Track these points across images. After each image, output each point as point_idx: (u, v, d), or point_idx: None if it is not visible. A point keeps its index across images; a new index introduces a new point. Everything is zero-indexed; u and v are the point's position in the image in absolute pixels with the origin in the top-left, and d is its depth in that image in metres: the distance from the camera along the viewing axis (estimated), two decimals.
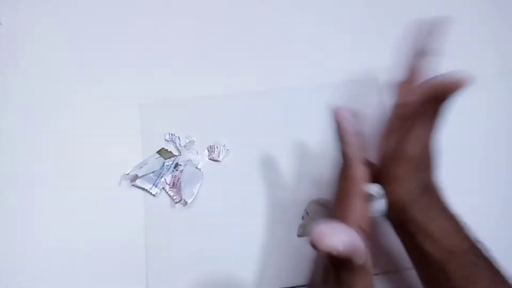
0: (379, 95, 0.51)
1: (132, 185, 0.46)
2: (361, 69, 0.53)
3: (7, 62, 0.52)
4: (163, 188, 0.46)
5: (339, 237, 0.26)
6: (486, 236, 0.45)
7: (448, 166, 0.48)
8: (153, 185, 0.45)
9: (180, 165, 0.46)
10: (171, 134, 0.48)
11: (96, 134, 0.49)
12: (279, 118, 0.49)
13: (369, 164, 0.34)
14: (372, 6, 0.57)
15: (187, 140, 0.48)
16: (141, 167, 0.45)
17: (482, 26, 0.56)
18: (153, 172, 0.45)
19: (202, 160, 0.47)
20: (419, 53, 0.35)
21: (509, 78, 0.53)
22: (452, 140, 0.49)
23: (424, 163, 0.34)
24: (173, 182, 0.46)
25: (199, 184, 0.45)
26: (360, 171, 0.33)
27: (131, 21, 0.55)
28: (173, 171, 0.46)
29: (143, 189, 0.45)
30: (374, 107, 0.51)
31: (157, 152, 0.47)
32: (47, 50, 0.53)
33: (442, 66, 0.53)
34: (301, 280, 0.43)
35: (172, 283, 0.43)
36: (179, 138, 0.48)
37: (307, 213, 0.44)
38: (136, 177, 0.45)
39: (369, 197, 0.36)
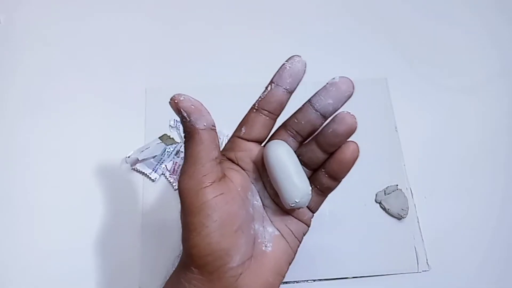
0: (388, 95, 0.51)
1: (132, 168, 0.46)
2: (370, 69, 0.52)
3: (7, 62, 0.52)
4: (163, 173, 0.45)
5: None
6: (485, 237, 0.45)
7: (448, 167, 0.48)
8: (153, 170, 0.45)
9: (182, 152, 0.46)
10: (176, 120, 0.48)
11: (99, 116, 0.49)
12: (284, 112, 0.48)
13: None
14: (382, 7, 0.56)
15: None
16: (142, 151, 0.44)
17: (481, 26, 0.56)
18: (154, 157, 0.45)
19: None
20: None
21: (508, 78, 0.53)
22: (452, 140, 0.49)
23: None
24: (174, 169, 0.46)
25: None
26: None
27: (143, 7, 0.55)
28: (173, 157, 0.46)
29: (143, 173, 0.45)
30: (382, 108, 0.50)
31: (159, 137, 0.46)
32: (51, 38, 0.53)
33: (442, 66, 0.53)
34: (301, 275, 0.43)
35: (166, 268, 0.42)
36: None
37: None
38: (136, 160, 0.45)
39: None
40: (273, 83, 0.30)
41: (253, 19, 0.55)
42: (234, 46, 0.53)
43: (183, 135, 0.30)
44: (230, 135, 0.47)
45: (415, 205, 0.46)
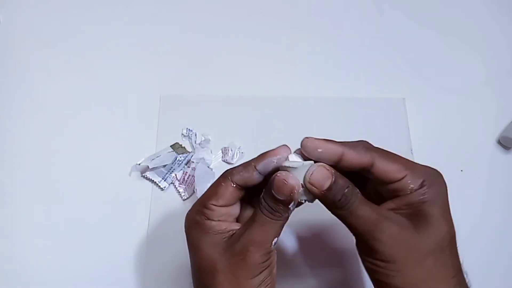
0: (405, 116, 0.50)
1: (142, 176, 0.45)
2: (388, 88, 0.52)
3: (7, 62, 0.52)
4: (172, 183, 0.45)
5: None
6: (484, 238, 0.44)
7: (448, 167, 0.47)
8: (163, 178, 0.45)
9: (193, 162, 0.45)
10: (189, 129, 0.47)
11: (112, 121, 0.49)
12: (298, 127, 0.48)
13: None
14: (402, 31, 0.56)
15: (203, 138, 0.47)
16: (152, 159, 0.44)
17: (506, 48, 0.55)
18: (164, 166, 0.45)
19: (215, 160, 0.47)
20: None
21: None
22: (455, 140, 0.49)
23: None
24: (184, 178, 0.45)
25: (209, 184, 0.44)
26: None
27: (159, 13, 0.55)
28: (184, 167, 0.45)
29: (152, 181, 0.45)
30: (398, 128, 0.49)
31: (170, 146, 0.46)
32: (51, 38, 0.53)
33: (457, 64, 0.52)
34: None
35: (171, 277, 0.42)
36: (195, 134, 0.47)
37: None
38: (147, 168, 0.44)
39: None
40: (256, 170, 0.30)
41: (273, 34, 0.54)
42: (253, 58, 0.53)
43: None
44: (242, 147, 0.47)
45: None
